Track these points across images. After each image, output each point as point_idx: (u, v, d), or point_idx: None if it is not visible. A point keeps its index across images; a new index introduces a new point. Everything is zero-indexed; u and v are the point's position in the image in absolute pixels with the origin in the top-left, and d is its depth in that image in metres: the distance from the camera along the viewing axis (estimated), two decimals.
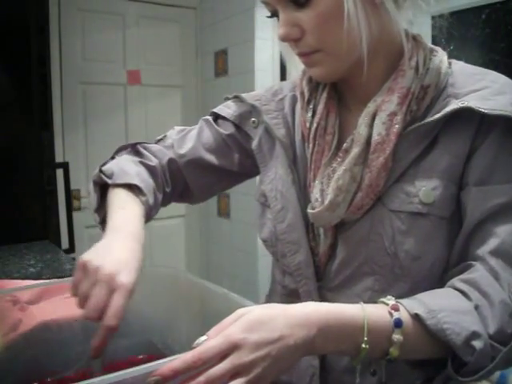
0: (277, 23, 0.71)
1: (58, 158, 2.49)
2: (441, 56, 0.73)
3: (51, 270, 1.62)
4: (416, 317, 0.57)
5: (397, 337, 0.56)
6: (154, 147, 0.90)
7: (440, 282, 0.68)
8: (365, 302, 0.65)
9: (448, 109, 0.66)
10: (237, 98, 0.89)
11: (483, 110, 0.63)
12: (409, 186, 0.68)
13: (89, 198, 0.81)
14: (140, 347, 0.82)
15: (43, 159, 2.11)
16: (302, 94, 0.79)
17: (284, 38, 0.68)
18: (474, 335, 0.57)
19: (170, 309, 0.81)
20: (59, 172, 2.26)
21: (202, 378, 0.48)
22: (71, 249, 2.26)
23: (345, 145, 0.72)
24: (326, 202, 0.70)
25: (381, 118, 0.69)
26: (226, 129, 0.89)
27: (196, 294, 0.80)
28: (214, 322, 0.74)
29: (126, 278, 0.58)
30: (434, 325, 0.56)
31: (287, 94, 0.85)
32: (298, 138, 0.80)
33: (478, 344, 0.56)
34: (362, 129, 0.70)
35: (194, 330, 0.80)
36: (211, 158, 0.88)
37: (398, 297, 0.63)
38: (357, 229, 0.71)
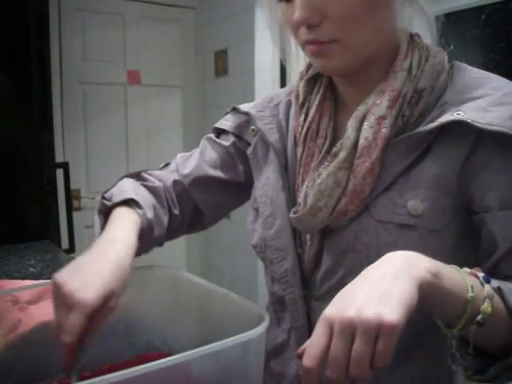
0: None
1: (58, 158, 2.49)
2: (440, 57, 0.69)
3: (51, 270, 1.62)
4: (498, 290, 0.55)
5: (488, 290, 0.53)
6: (158, 172, 0.91)
7: None
8: None
9: (443, 119, 0.62)
10: (234, 110, 0.89)
11: (479, 125, 0.59)
12: (397, 196, 0.65)
13: (94, 228, 0.80)
14: (140, 347, 0.82)
15: (43, 159, 2.11)
16: (297, 97, 0.77)
17: (301, 22, 0.62)
18: None
19: (170, 309, 0.82)
20: (59, 172, 2.26)
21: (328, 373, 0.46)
22: (71, 249, 2.26)
23: (334, 149, 0.69)
24: (307, 206, 0.68)
25: (369, 121, 0.66)
26: (228, 141, 0.88)
27: (196, 294, 0.80)
28: (214, 322, 0.75)
29: (84, 294, 0.58)
30: None
31: (282, 99, 0.84)
32: (290, 142, 0.79)
33: None
34: (349, 132, 0.67)
35: (194, 330, 0.81)
36: (216, 173, 0.87)
37: None
38: (342, 237, 0.68)
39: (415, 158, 0.65)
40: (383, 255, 0.60)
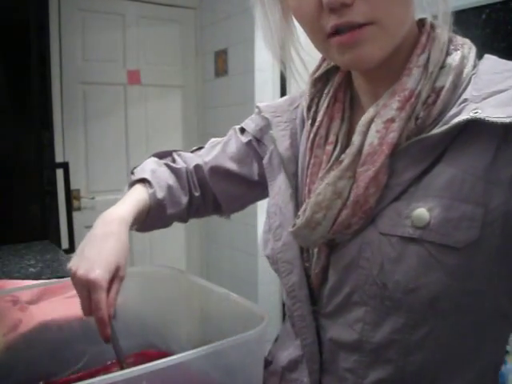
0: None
1: (58, 158, 2.49)
2: (465, 51, 0.60)
3: (51, 270, 1.62)
4: None
5: None
6: (187, 154, 0.94)
7: (448, 317, 0.57)
8: (357, 334, 0.61)
9: (457, 119, 0.54)
10: (257, 109, 0.84)
11: (497, 120, 0.51)
12: (404, 206, 0.57)
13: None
14: (139, 346, 0.82)
15: (43, 159, 2.11)
16: (306, 99, 0.72)
17: (334, 1, 0.53)
18: None
19: (170, 308, 0.81)
20: (59, 172, 2.26)
21: None
22: (71, 249, 2.26)
23: (342, 156, 0.61)
24: (304, 217, 0.62)
25: (376, 125, 0.58)
26: (247, 137, 0.88)
27: (196, 294, 0.80)
28: (213, 321, 0.75)
29: (94, 274, 0.65)
30: None
31: (302, 101, 0.76)
32: (302, 148, 0.73)
33: None
34: (355, 137, 0.60)
35: (194, 330, 0.81)
36: (232, 166, 0.88)
37: (393, 332, 0.58)
38: (345, 252, 0.62)
39: (429, 164, 0.57)
40: (386, 271, 0.57)
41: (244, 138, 0.87)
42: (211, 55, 3.07)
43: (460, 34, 0.64)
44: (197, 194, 0.89)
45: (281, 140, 0.76)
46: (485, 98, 0.54)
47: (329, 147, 0.65)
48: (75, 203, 2.69)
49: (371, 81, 0.65)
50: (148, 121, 3.04)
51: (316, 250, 0.66)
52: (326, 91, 0.70)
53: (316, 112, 0.69)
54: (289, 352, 0.73)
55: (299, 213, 0.64)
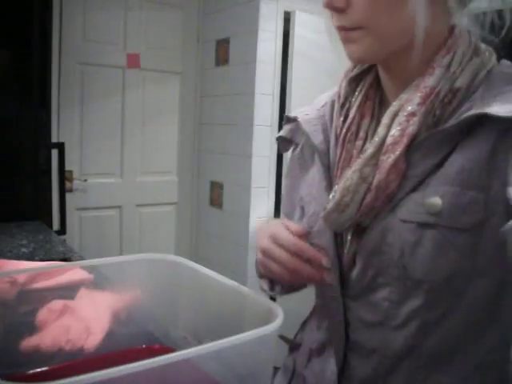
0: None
1: (53, 138, 2.45)
2: (486, 58, 0.66)
3: (44, 251, 1.60)
4: None
5: None
6: None
7: (463, 295, 0.64)
8: (382, 313, 0.68)
9: (466, 115, 0.61)
10: (286, 119, 0.90)
11: (499, 114, 0.58)
12: (420, 195, 0.65)
13: None
14: (140, 338, 0.81)
15: (39, 138, 2.08)
16: (339, 97, 0.77)
17: (327, 5, 0.63)
18: None
19: (174, 301, 0.81)
20: (53, 153, 2.23)
21: None
22: (62, 230, 2.24)
23: (367, 145, 0.69)
24: (333, 202, 0.69)
25: (399, 118, 0.65)
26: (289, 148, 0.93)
27: (197, 283, 0.79)
28: (219, 315, 0.74)
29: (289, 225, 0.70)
30: None
31: (328, 100, 0.83)
32: (332, 143, 0.78)
33: None
34: (380, 129, 0.67)
35: (195, 320, 0.80)
36: None
37: (414, 310, 0.65)
38: (370, 238, 0.69)
39: (443, 156, 0.64)
40: (406, 255, 0.64)
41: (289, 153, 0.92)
42: (213, 43, 3.05)
43: (488, 39, 0.69)
44: None
45: (314, 134, 0.80)
46: (493, 97, 0.62)
47: (359, 142, 0.72)
48: (67, 185, 2.66)
49: (393, 77, 0.72)
50: (145, 106, 3.01)
51: (349, 238, 0.73)
52: (358, 90, 0.75)
53: (348, 109, 0.75)
54: (318, 334, 0.80)
55: (329, 197, 0.71)
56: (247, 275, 2.74)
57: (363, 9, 0.62)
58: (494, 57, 0.68)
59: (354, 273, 0.72)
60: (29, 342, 0.73)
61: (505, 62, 0.68)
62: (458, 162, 0.62)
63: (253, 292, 0.67)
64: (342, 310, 0.73)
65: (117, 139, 2.95)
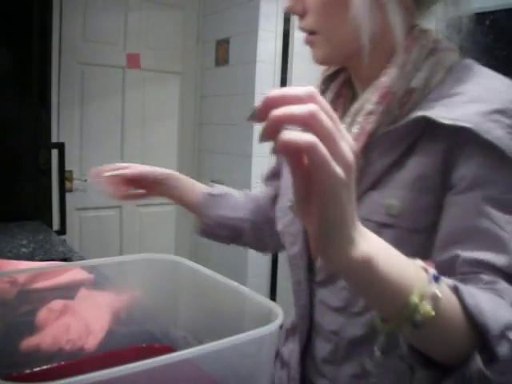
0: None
1: (53, 138, 2.46)
2: (443, 57, 0.67)
3: (44, 251, 1.60)
4: (455, 289, 0.50)
5: (433, 290, 0.47)
6: None
7: None
8: (343, 300, 0.72)
9: (410, 117, 0.63)
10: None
11: (444, 121, 0.59)
12: (378, 195, 0.67)
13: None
14: (140, 337, 0.81)
15: (39, 138, 2.08)
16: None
17: (287, 9, 0.70)
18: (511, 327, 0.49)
19: (174, 300, 0.81)
20: (54, 153, 2.23)
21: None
22: (62, 230, 2.24)
23: None
24: None
25: (359, 116, 0.67)
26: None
27: (197, 283, 0.79)
28: (221, 315, 0.74)
29: None
30: (473, 305, 0.49)
31: None
32: None
33: None
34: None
35: (195, 320, 0.80)
36: None
37: None
38: None
39: (398, 156, 0.65)
40: None
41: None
42: (213, 44, 3.05)
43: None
44: None
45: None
46: (439, 100, 0.63)
47: None
48: (67, 185, 2.67)
49: (360, 79, 0.74)
50: (145, 106, 3.01)
51: None
52: (331, 88, 0.79)
53: None
54: (293, 316, 0.84)
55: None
56: (247, 275, 2.75)
57: (315, 15, 0.67)
58: (455, 56, 0.68)
59: (320, 260, 0.75)
60: (29, 342, 0.73)
61: (465, 61, 0.68)
62: (415, 167, 0.64)
63: (253, 292, 0.67)
64: (308, 293, 0.78)
65: (117, 139, 2.95)
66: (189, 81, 3.17)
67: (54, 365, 0.72)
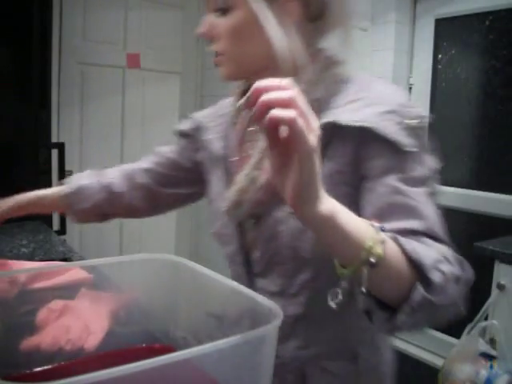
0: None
1: (53, 138, 2.46)
2: (337, 69, 0.79)
3: (44, 251, 1.60)
4: (395, 239, 0.63)
5: (383, 236, 0.60)
6: None
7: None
8: (280, 285, 0.83)
9: (320, 122, 0.69)
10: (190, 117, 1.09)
11: (347, 123, 0.71)
12: None
13: None
14: (140, 337, 0.81)
15: (40, 138, 2.08)
16: (233, 109, 0.93)
17: (199, 35, 0.82)
18: (440, 261, 0.64)
19: (173, 300, 0.81)
20: (53, 152, 2.23)
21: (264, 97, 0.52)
22: (62, 230, 2.24)
23: (252, 153, 0.82)
24: (229, 201, 0.83)
25: None
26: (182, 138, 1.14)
27: (197, 283, 0.80)
28: (221, 315, 0.74)
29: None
30: (410, 249, 0.62)
31: (227, 109, 0.97)
32: (232, 148, 0.91)
33: (444, 267, 0.63)
34: (262, 137, 0.75)
35: (195, 320, 0.80)
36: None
37: (304, 282, 0.80)
38: (265, 228, 0.82)
39: None
40: (295, 239, 0.78)
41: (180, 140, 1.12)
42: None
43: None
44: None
45: (214, 141, 0.94)
46: (342, 106, 0.75)
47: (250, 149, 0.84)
48: None
49: None
50: (145, 105, 3.01)
51: (249, 226, 0.86)
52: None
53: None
54: None
55: (227, 197, 0.85)
56: None
57: (223, 40, 0.80)
58: (343, 67, 0.81)
59: (257, 254, 0.85)
60: (29, 342, 0.73)
61: (361, 74, 0.81)
62: (331, 165, 0.75)
63: (253, 292, 0.67)
64: (248, 285, 0.85)
65: (117, 139, 2.95)
66: (189, 81, 3.17)
67: (54, 365, 0.72)
